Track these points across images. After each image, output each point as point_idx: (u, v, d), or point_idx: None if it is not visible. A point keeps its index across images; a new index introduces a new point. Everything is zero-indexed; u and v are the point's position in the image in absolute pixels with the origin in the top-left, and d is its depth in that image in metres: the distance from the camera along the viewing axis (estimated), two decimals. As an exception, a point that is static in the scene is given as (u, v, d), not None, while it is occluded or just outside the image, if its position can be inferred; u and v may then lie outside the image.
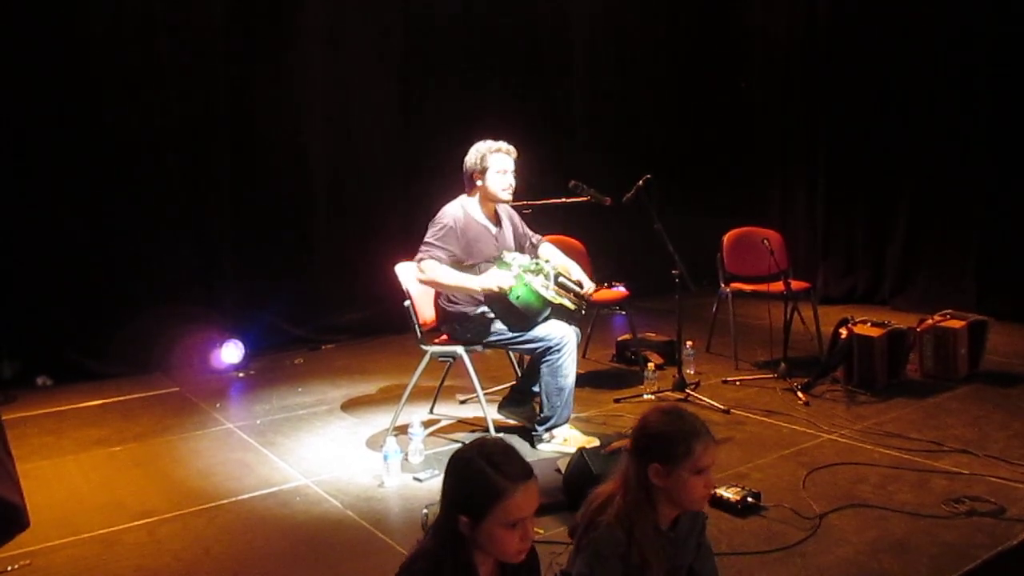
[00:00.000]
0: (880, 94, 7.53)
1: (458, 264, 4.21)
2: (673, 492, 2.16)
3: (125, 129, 5.90)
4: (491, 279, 4.11)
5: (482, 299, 4.25)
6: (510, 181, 4.34)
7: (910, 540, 3.18)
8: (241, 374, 5.94)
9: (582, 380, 5.20)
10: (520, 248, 4.52)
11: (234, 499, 3.75)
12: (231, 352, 6.00)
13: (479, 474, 1.90)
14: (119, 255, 5.93)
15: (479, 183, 4.32)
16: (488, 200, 4.38)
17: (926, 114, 7.25)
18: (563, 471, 3.64)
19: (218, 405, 5.21)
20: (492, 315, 4.24)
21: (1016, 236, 6.76)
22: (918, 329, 5.39)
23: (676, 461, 2.13)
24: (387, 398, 5.21)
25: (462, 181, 4.42)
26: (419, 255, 4.19)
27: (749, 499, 3.45)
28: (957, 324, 5.29)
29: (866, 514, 3.42)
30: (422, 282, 4.23)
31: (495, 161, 4.29)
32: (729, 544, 3.18)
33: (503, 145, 4.33)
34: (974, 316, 5.44)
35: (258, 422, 4.87)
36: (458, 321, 4.32)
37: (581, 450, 3.62)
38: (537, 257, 4.47)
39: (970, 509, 3.41)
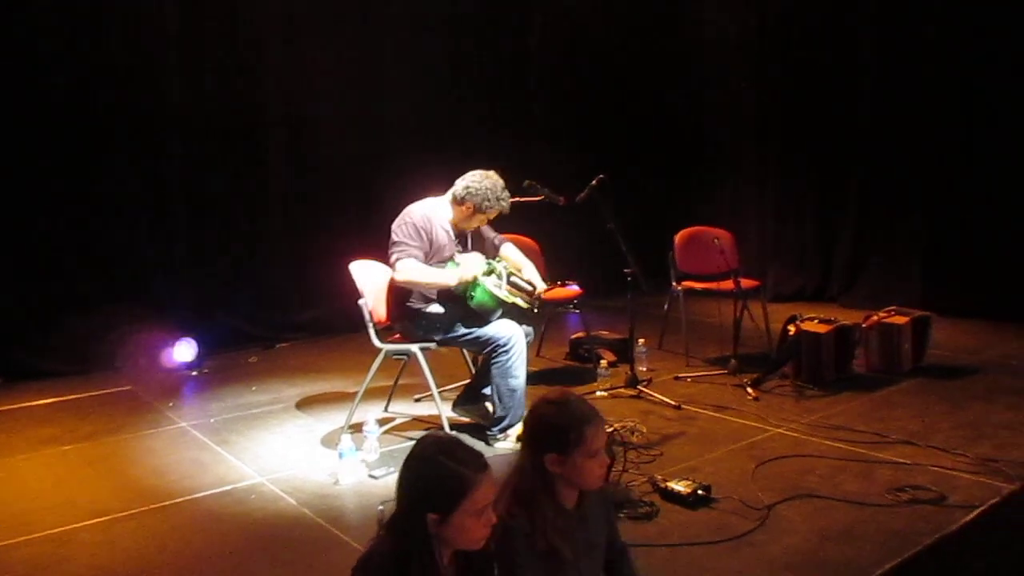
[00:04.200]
0: (828, 95, 7.69)
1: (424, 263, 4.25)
2: (571, 477, 2.23)
3: (75, 123, 5.80)
4: (465, 270, 4.15)
5: (435, 296, 4.28)
6: (485, 224, 4.49)
7: (855, 528, 3.28)
8: (195, 372, 5.88)
9: (536, 378, 5.26)
10: (485, 255, 4.54)
11: (189, 497, 3.73)
12: (184, 350, 5.94)
13: (444, 470, 1.92)
14: (70, 252, 5.85)
15: (465, 210, 4.34)
16: (458, 221, 4.42)
17: (873, 116, 7.44)
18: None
19: (171, 404, 5.17)
20: (445, 313, 4.27)
21: (958, 236, 6.97)
22: (864, 325, 5.53)
23: (570, 448, 2.19)
24: (342, 396, 5.20)
25: (420, 179, 4.44)
26: (394, 255, 4.21)
27: (700, 492, 3.52)
28: (901, 320, 5.44)
29: (813, 504, 3.52)
30: (400, 282, 4.24)
31: (492, 214, 4.38)
32: (681, 535, 3.25)
33: (507, 204, 4.39)
34: (918, 312, 5.60)
35: (212, 421, 4.83)
36: (411, 319, 4.34)
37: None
38: (498, 257, 4.51)
39: (913, 497, 3.52)
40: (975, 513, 3.36)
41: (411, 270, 4.17)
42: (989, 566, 2.90)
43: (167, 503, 3.67)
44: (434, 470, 1.94)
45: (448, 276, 4.19)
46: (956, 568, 3.09)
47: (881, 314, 5.57)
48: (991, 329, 6.49)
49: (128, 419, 4.87)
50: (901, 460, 3.97)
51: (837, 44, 7.59)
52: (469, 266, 4.19)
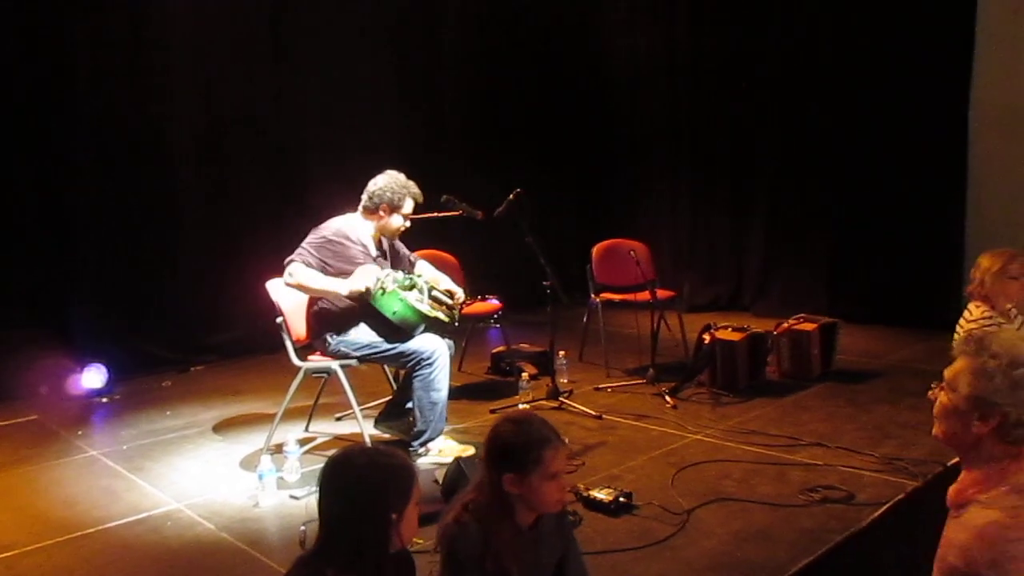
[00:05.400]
0: (735, 111, 7.94)
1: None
2: (528, 498, 2.22)
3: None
4: (357, 281, 4.12)
5: (351, 310, 4.24)
6: (407, 225, 4.44)
7: (771, 529, 3.38)
8: (105, 399, 5.69)
9: (458, 392, 5.27)
10: (403, 270, 4.54)
11: (100, 527, 3.62)
12: (93, 377, 5.74)
13: (394, 469, 1.97)
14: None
15: (381, 214, 4.34)
16: (379, 231, 4.42)
17: (780, 131, 7.69)
18: (440, 481, 3.67)
19: (80, 432, 4.99)
20: (365, 328, 4.25)
21: (862, 246, 7.26)
22: (775, 332, 5.70)
23: (528, 469, 2.18)
24: (261, 418, 5.10)
25: (336, 199, 4.42)
26: (290, 257, 4.18)
27: (621, 499, 3.58)
28: (810, 327, 5.64)
29: (730, 507, 3.61)
30: (288, 285, 4.20)
31: (407, 205, 4.36)
32: (603, 543, 3.30)
33: (417, 191, 4.39)
34: (825, 319, 5.81)
35: (124, 448, 4.69)
36: (330, 334, 4.30)
37: (458, 459, 3.67)
38: (417, 273, 4.52)
39: (824, 497, 3.65)
40: (882, 509, 3.50)
41: (300, 274, 4.14)
42: (897, 558, 3.02)
43: (77, 534, 3.55)
44: (386, 472, 1.98)
45: (338, 285, 4.16)
46: (866, 562, 3.21)
47: (791, 321, 5.76)
48: (894, 335, 6.76)
49: (34, 449, 4.68)
50: (812, 462, 4.11)
51: (743, 60, 7.83)
52: (361, 277, 4.14)
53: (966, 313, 4.33)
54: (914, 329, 6.73)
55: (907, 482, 3.79)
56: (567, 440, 4.35)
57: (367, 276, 4.12)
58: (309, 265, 4.17)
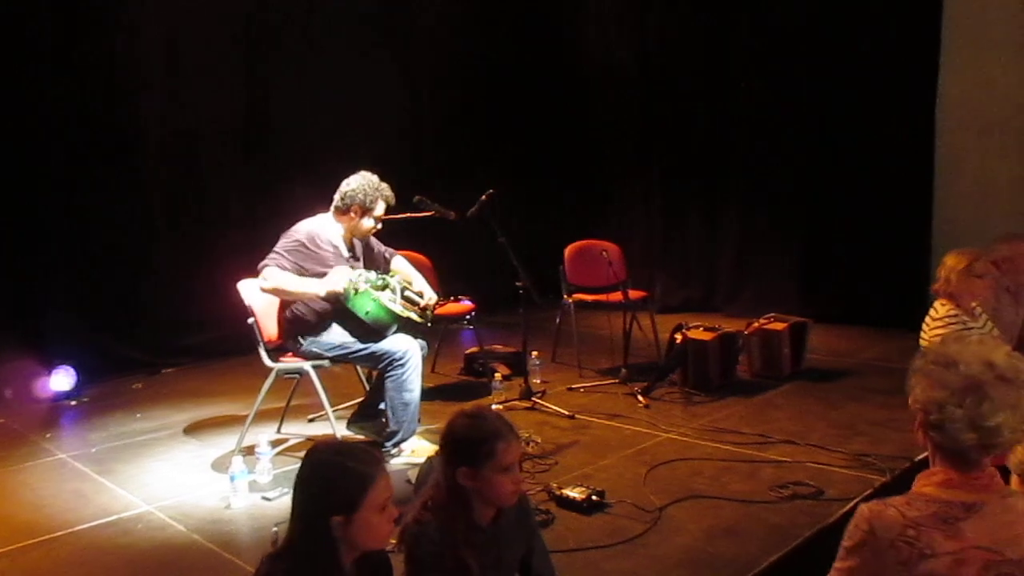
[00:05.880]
0: (708, 114, 8.01)
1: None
2: (483, 492, 2.22)
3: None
4: (333, 281, 4.11)
5: (324, 310, 4.23)
6: (378, 227, 4.44)
7: (741, 525, 3.42)
8: (74, 402, 5.62)
9: (431, 393, 5.26)
10: (376, 268, 4.53)
11: (69, 531, 3.57)
12: (62, 379, 5.67)
13: (341, 469, 1.93)
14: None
15: (352, 215, 4.33)
16: (350, 232, 4.41)
17: (752, 133, 7.76)
18: (414, 481, 3.67)
19: (48, 435, 4.93)
20: (337, 328, 4.24)
21: (832, 246, 7.35)
22: (746, 332, 5.76)
23: (481, 462, 2.19)
24: (233, 420, 5.06)
25: (310, 200, 4.40)
26: (263, 262, 4.16)
27: (594, 497, 3.60)
28: (780, 326, 5.70)
29: (702, 504, 3.65)
30: (264, 290, 4.19)
31: (379, 207, 4.35)
32: (576, 541, 3.31)
33: (390, 194, 4.38)
34: (795, 318, 5.87)
35: (94, 450, 4.64)
36: (302, 335, 4.28)
37: (431, 459, 3.67)
38: (390, 270, 4.51)
39: (793, 493, 3.70)
40: (850, 504, 3.53)
41: (276, 278, 4.13)
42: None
43: (45, 538, 3.50)
44: (331, 472, 1.94)
45: (315, 286, 4.15)
46: (835, 556, 3.24)
47: (762, 321, 5.82)
48: (863, 334, 6.86)
49: (1, 453, 4.62)
50: (783, 459, 4.15)
51: (715, 64, 7.90)
52: (336, 278, 4.14)
53: (932, 311, 4.40)
54: (883, 328, 6.82)
55: (875, 477, 3.84)
56: (534, 436, 4.42)
57: (341, 278, 4.12)
58: (284, 269, 4.15)
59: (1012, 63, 6.49)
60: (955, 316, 4.25)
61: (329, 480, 1.93)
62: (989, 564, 1.63)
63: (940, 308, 4.34)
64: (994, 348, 1.72)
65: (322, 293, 4.13)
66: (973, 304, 4.40)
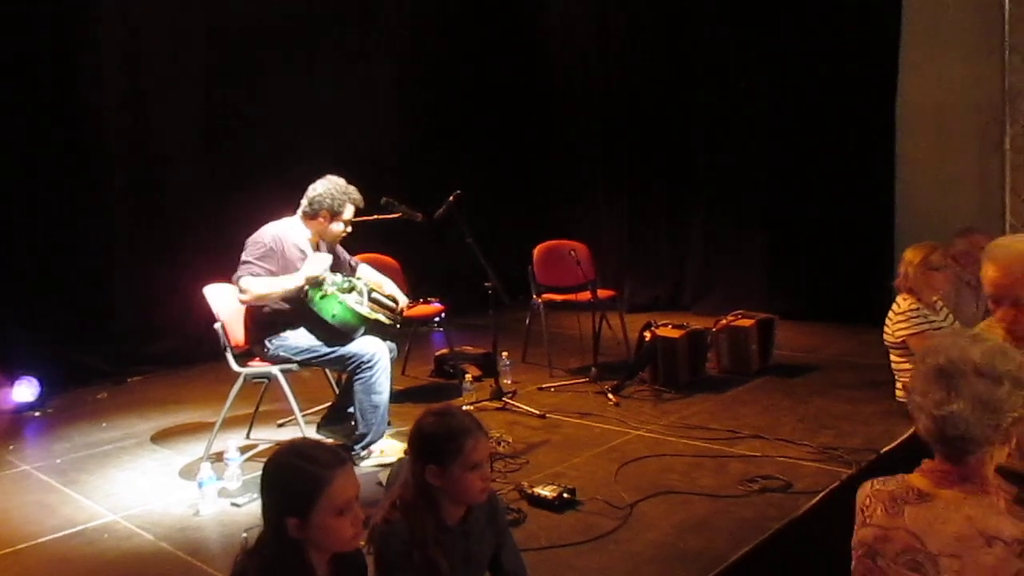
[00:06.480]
0: (672, 114, 8.07)
1: None
2: (451, 490, 2.22)
3: None
4: (311, 268, 4.10)
5: (290, 313, 4.20)
6: (348, 231, 4.41)
7: (711, 519, 3.45)
8: (37, 413, 5.53)
9: (402, 395, 5.25)
10: (341, 274, 4.51)
11: (34, 542, 3.52)
12: (24, 390, 5.57)
13: (295, 471, 1.91)
14: None
15: (321, 220, 4.31)
16: (319, 236, 4.39)
17: (718, 134, 7.83)
18: (384, 483, 3.66)
19: (11, 447, 4.84)
20: (304, 332, 4.21)
21: (796, 244, 7.42)
22: (715, 329, 5.80)
23: (448, 460, 2.19)
24: (201, 427, 5.02)
25: (274, 204, 4.37)
26: (237, 274, 4.12)
27: (565, 495, 3.61)
28: (747, 323, 5.75)
29: (672, 500, 3.67)
30: (245, 302, 4.16)
31: (348, 212, 4.33)
32: (548, 538, 3.32)
33: (358, 197, 4.36)
34: (762, 315, 5.92)
35: (58, 461, 4.56)
36: (269, 339, 4.25)
37: (402, 459, 3.65)
38: (357, 276, 4.49)
39: (762, 487, 3.73)
40: (818, 497, 3.55)
41: (253, 286, 4.10)
42: (833, 544, 3.08)
43: (8, 550, 3.45)
44: (285, 473, 1.93)
45: (294, 278, 4.13)
46: (803, 548, 3.28)
47: (729, 318, 5.87)
48: (828, 330, 6.93)
49: (-38, 465, 4.55)
50: (752, 453, 4.19)
51: (679, 65, 7.97)
52: (314, 263, 4.13)
53: (895, 306, 4.47)
54: (848, 324, 6.90)
55: (842, 470, 3.88)
56: (505, 436, 4.42)
57: (322, 262, 4.10)
58: (258, 276, 4.12)
59: (970, 62, 6.61)
60: (916, 310, 4.33)
61: (284, 482, 1.92)
62: (908, 549, 1.69)
63: (902, 303, 4.41)
64: (977, 342, 1.73)
65: (301, 282, 4.11)
66: (934, 298, 4.47)
